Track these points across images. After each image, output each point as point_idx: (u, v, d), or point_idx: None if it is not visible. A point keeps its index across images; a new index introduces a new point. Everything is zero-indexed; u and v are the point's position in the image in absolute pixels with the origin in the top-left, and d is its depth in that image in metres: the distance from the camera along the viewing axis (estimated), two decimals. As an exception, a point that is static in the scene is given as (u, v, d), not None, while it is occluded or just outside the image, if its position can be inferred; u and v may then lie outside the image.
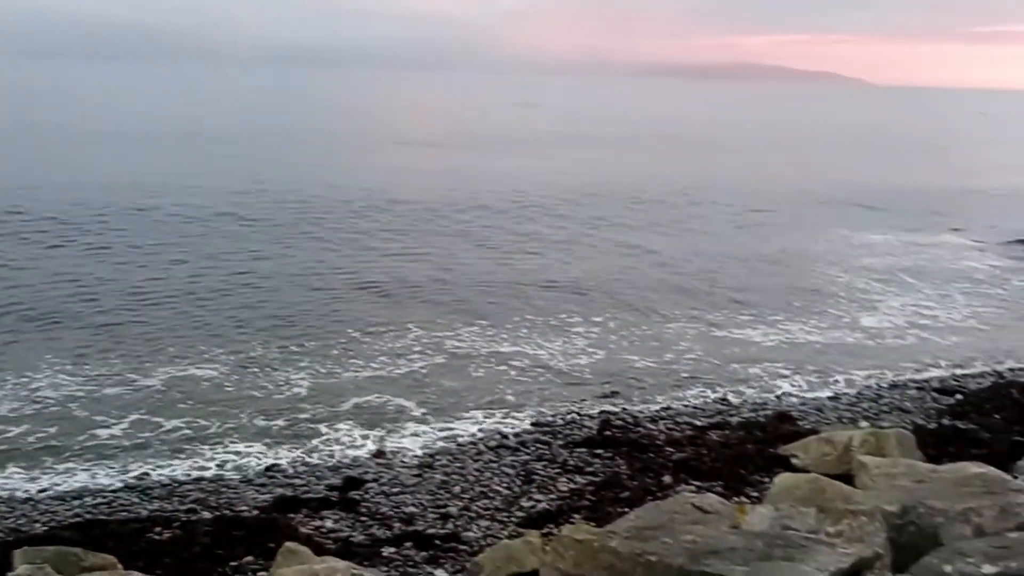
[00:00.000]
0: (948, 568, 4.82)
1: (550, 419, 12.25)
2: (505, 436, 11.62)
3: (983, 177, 45.33)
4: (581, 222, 27.87)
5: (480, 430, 11.90)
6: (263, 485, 10.20)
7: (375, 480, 10.29)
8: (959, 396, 13.20)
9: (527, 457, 10.86)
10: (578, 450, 11.00)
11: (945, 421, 11.96)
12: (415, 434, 11.76)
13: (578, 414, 12.44)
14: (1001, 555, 4.86)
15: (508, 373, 14.29)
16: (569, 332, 16.66)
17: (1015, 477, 7.04)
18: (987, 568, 4.72)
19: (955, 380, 14.14)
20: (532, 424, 12.07)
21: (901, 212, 32.01)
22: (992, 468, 6.95)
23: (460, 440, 11.57)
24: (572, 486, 9.93)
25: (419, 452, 11.19)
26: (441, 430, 11.91)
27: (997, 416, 11.98)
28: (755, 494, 9.11)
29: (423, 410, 12.57)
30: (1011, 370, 14.70)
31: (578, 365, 14.76)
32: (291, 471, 10.63)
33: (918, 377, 14.40)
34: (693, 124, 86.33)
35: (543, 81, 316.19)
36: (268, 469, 10.67)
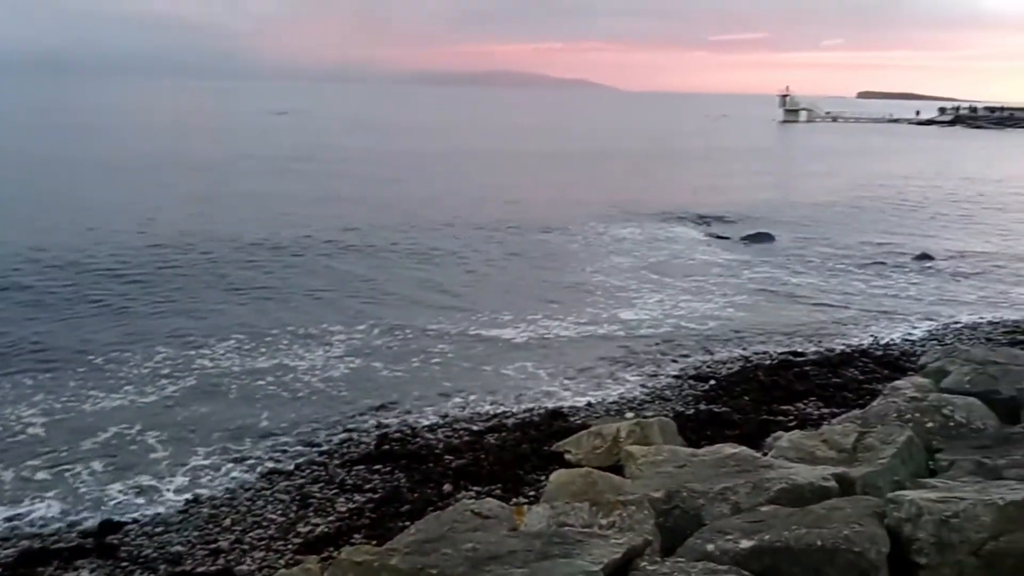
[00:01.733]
0: (710, 547, 5.07)
1: (325, 438, 11.83)
2: (277, 460, 11.11)
3: (726, 176, 49.24)
4: (338, 229, 27.36)
5: (248, 455, 11.25)
6: (5, 540, 9.15)
7: (135, 521, 9.52)
8: (712, 382, 14.13)
9: (302, 480, 10.45)
10: (356, 468, 10.72)
11: (702, 406, 12.75)
12: (175, 466, 10.92)
13: (353, 430, 12.11)
14: (756, 529, 5.18)
15: (271, 390, 13.68)
16: (330, 342, 16.23)
17: (764, 454, 7.56)
18: (744, 543, 5.01)
19: (708, 367, 15.09)
20: (305, 445, 11.60)
21: (652, 209, 33.91)
22: (745, 448, 7.45)
23: (227, 468, 10.90)
24: (351, 506, 9.67)
25: (182, 485, 10.46)
26: (204, 459, 11.15)
27: (747, 398, 12.93)
28: (533, 493, 9.27)
29: (181, 439, 11.70)
30: (756, 354, 15.88)
31: (345, 377, 14.37)
32: (36, 520, 9.59)
33: (676, 366, 15.19)
34: (449, 130, 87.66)
35: (302, 88, 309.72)
36: (7, 520, 9.56)
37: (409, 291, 20.42)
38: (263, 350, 15.60)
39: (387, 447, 11.35)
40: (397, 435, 11.83)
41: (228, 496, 10.12)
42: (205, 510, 9.76)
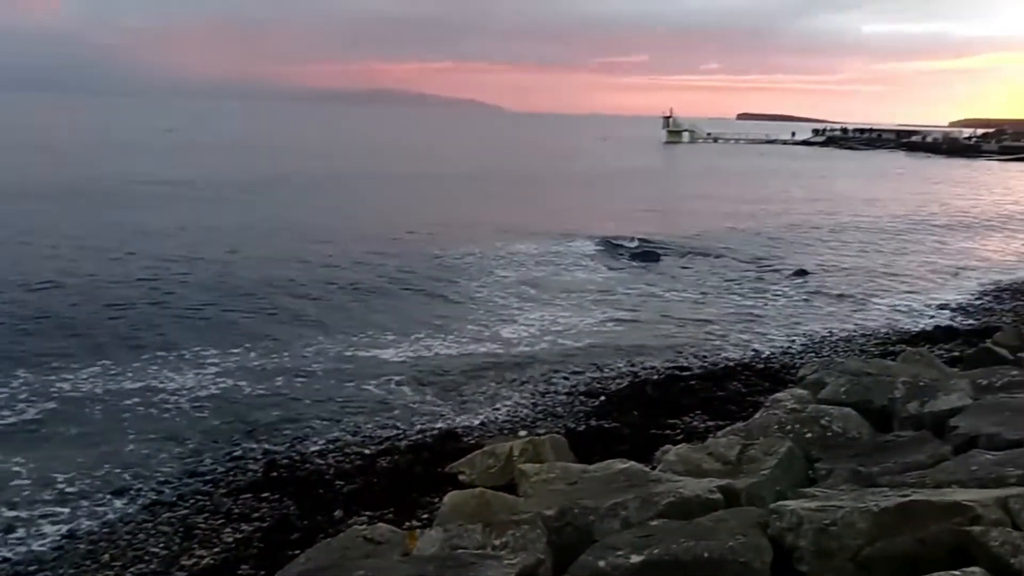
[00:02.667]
0: (602, 563, 5.12)
1: (209, 466, 11.44)
2: (159, 491, 10.68)
3: (614, 197, 50.31)
4: (221, 251, 26.66)
5: (129, 486, 10.77)
6: None
7: (5, 560, 8.98)
8: (603, 398, 14.32)
9: (186, 511, 10.06)
10: (243, 496, 10.39)
11: (593, 422, 12.91)
12: (41, 500, 10.33)
13: (240, 457, 11.75)
14: (646, 543, 5.26)
15: (150, 415, 13.18)
16: (204, 364, 15.74)
17: (653, 468, 7.70)
18: (635, 558, 5.08)
19: (598, 383, 15.29)
20: (189, 474, 11.19)
21: (542, 229, 34.27)
22: (634, 462, 7.56)
23: (105, 500, 10.41)
24: (238, 536, 9.36)
25: (55, 520, 9.92)
26: (77, 490, 10.60)
27: (635, 413, 13.14)
28: (426, 516, 9.18)
29: (48, 469, 11.08)
30: (644, 369, 16.20)
31: (225, 401, 13.93)
32: None
33: (567, 383, 15.34)
34: (339, 150, 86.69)
35: (187, 105, 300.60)
36: None
37: (290, 312, 19.90)
38: (130, 373, 14.98)
39: (275, 474, 11.06)
40: (285, 461, 11.55)
41: (107, 530, 9.67)
42: (82, 546, 9.29)
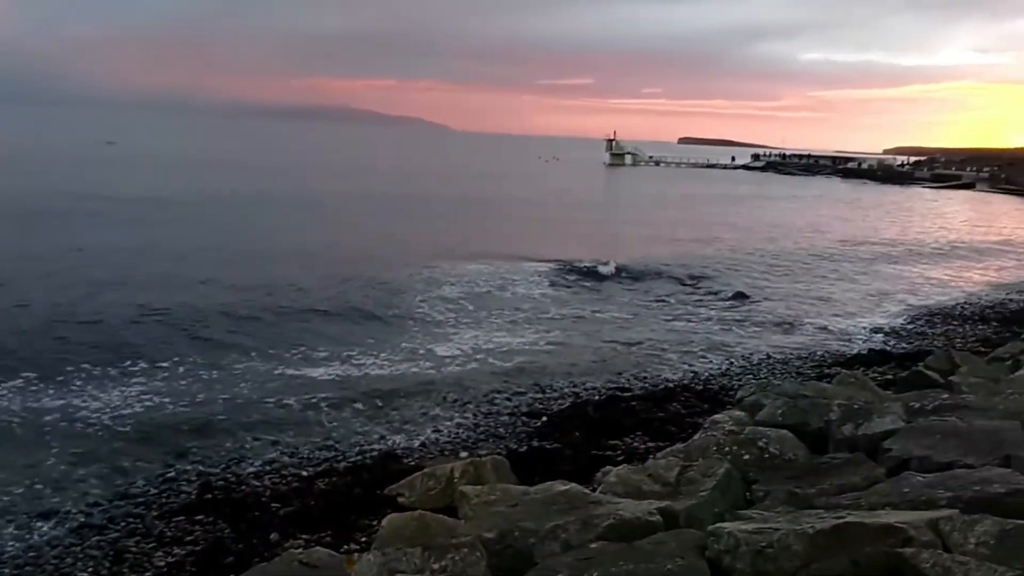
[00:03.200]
0: (542, 587, 5.08)
1: (141, 488, 11.12)
2: (88, 513, 10.34)
3: (557, 216, 50.64)
4: (157, 265, 26.18)
5: (56, 508, 10.41)
6: None
7: (-79, 590, 8.65)
8: (545, 418, 14.31)
9: (116, 534, 9.76)
10: (176, 518, 10.12)
11: (534, 443, 12.89)
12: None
13: (173, 479, 11.44)
14: (585, 566, 5.25)
15: (66, 433, 12.77)
16: (130, 382, 15.36)
17: (594, 489, 7.70)
18: (574, 582, 5.05)
19: (540, 404, 15.29)
20: (119, 496, 10.87)
21: (485, 248, 34.32)
22: (575, 484, 7.55)
23: (30, 523, 10.06)
24: (171, 560, 9.10)
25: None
26: None
27: (577, 434, 13.16)
28: (365, 539, 9.04)
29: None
30: (586, 390, 16.25)
31: (153, 420, 13.56)
32: None
33: (509, 404, 15.30)
34: (287, 167, 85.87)
35: (129, 118, 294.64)
36: None
37: (221, 332, 19.34)
38: (52, 390, 14.55)
39: (209, 495, 10.81)
40: (220, 483, 11.29)
41: (33, 554, 9.32)
42: (7, 571, 8.94)
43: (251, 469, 11.90)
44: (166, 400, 14.56)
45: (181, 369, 16.24)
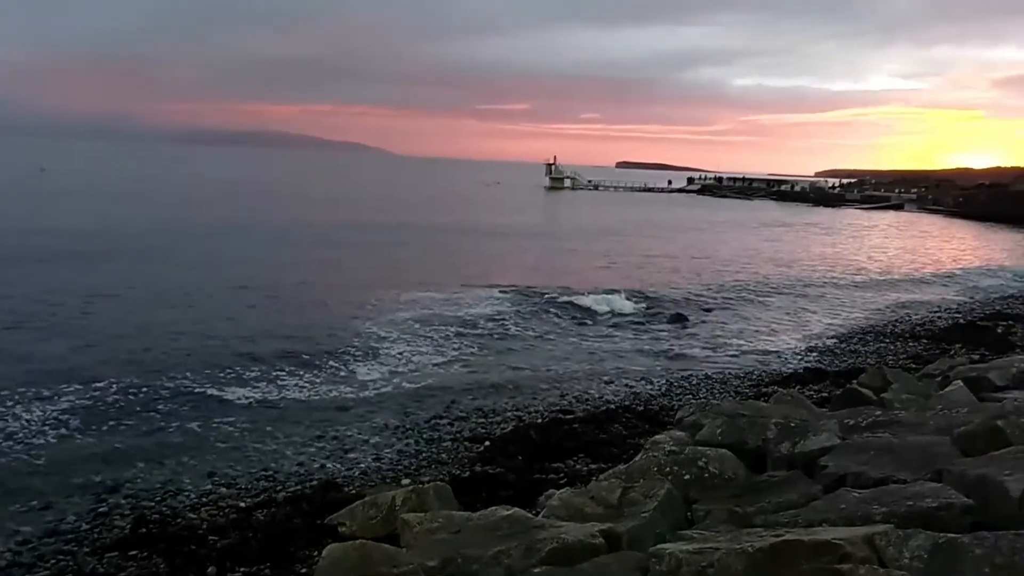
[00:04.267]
0: (484, 614, 5.04)
1: (72, 523, 10.73)
2: (16, 551, 9.96)
3: (502, 243, 50.73)
4: (83, 294, 25.57)
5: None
6: None
7: None
8: (487, 443, 14.25)
9: (46, 573, 9.41)
10: (109, 554, 9.80)
11: (477, 468, 12.81)
12: None
13: (105, 513, 11.08)
14: (528, 592, 5.21)
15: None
16: (56, 406, 14.95)
17: (537, 513, 7.68)
18: (517, 607, 5.02)
19: (483, 428, 15.24)
20: (49, 533, 10.48)
21: (431, 271, 34.22)
22: (518, 509, 7.53)
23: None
24: (103, 597, 8.84)
25: None
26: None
27: (520, 458, 13.13)
28: (304, 571, 8.88)
29: None
30: (529, 413, 16.24)
31: (81, 452, 13.18)
32: None
33: (452, 428, 15.21)
34: (226, 195, 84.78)
35: (61, 145, 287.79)
36: None
37: (148, 361, 18.75)
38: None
39: (144, 530, 10.50)
40: (155, 516, 10.99)
41: (-46, 598, 8.98)
42: (-76, 615, 8.60)
43: (187, 501, 11.60)
44: (95, 428, 14.17)
45: (111, 397, 15.79)
